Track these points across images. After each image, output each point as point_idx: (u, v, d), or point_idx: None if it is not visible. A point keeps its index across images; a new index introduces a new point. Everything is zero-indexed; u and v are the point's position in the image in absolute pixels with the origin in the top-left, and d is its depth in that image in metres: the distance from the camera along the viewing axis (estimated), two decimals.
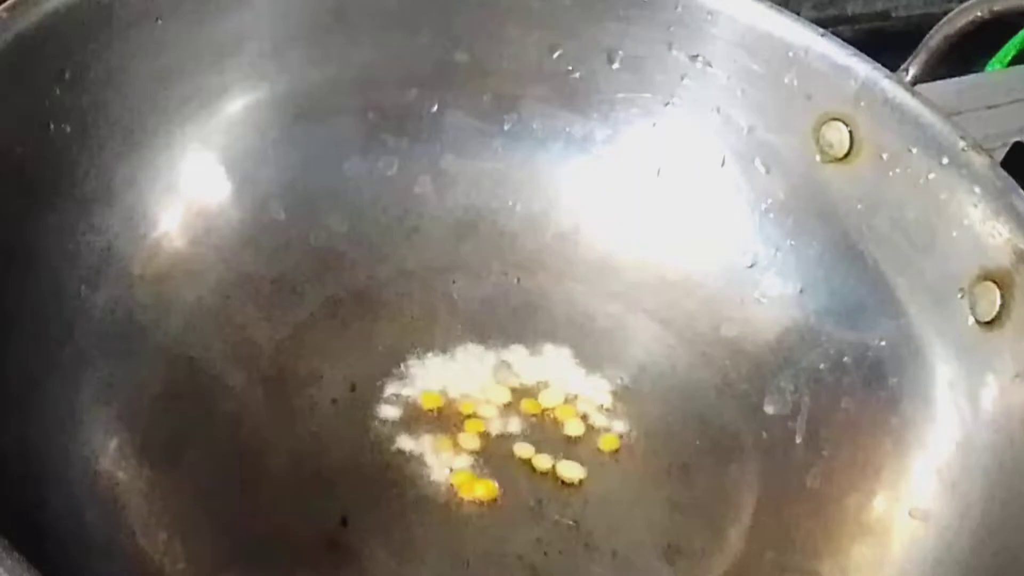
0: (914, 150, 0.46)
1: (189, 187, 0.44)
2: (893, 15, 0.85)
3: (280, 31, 0.46)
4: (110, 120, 0.41)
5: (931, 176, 0.45)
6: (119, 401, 0.40)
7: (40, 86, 0.39)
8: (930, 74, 0.48)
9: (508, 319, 0.48)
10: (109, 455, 0.38)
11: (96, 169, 0.41)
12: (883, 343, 0.46)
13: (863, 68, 0.47)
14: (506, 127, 0.51)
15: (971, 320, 0.44)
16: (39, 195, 0.39)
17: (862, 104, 0.47)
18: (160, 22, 0.42)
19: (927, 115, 0.46)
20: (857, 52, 0.47)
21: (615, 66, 0.50)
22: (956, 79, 0.70)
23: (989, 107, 0.69)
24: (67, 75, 0.39)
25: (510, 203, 0.51)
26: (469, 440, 0.44)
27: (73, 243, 0.40)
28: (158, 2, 0.42)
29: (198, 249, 0.44)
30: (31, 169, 0.38)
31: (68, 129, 0.40)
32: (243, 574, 0.39)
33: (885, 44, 0.49)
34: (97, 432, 0.39)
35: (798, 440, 0.46)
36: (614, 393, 0.47)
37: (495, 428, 0.45)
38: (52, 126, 0.39)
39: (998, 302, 0.43)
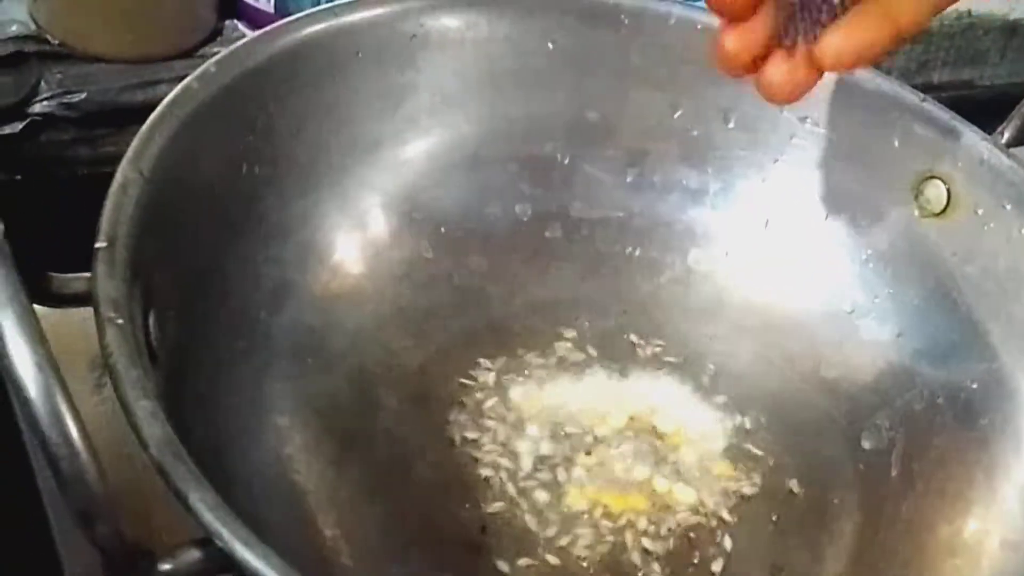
0: (1008, 206, 0.49)
1: (355, 224, 0.50)
2: (977, 83, 0.89)
3: (439, 90, 0.51)
4: (292, 162, 0.47)
5: (1023, 231, 0.49)
6: (294, 409, 0.45)
7: (238, 132, 0.44)
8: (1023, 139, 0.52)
9: (624, 352, 0.53)
10: (289, 454, 0.44)
11: (277, 206, 0.46)
12: (975, 385, 0.50)
13: (961, 130, 0.51)
14: (629, 179, 0.55)
15: None
16: (231, 228, 0.44)
17: (960, 164, 0.51)
18: (337, 79, 0.47)
19: (1020, 175, 0.50)
20: (956, 116, 0.51)
21: (730, 125, 0.55)
22: None
23: None
24: (259, 124, 0.45)
25: (630, 248, 0.55)
26: (591, 459, 0.49)
27: (255, 271, 0.45)
28: (336, 62, 0.47)
29: (360, 281, 0.50)
30: (227, 205, 0.44)
31: (258, 171, 0.45)
32: (397, 569, 0.43)
33: (970, 112, 0.53)
34: (277, 434, 0.44)
35: (893, 473, 0.50)
36: (720, 421, 0.51)
37: (616, 450, 0.49)
38: (245, 167, 0.44)
39: None
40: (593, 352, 0.53)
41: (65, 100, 0.67)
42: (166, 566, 0.30)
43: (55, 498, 0.41)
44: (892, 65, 0.82)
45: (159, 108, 0.40)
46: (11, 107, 0.66)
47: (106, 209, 0.36)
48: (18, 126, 0.66)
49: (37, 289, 0.34)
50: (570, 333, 0.53)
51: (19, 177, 0.66)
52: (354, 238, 0.50)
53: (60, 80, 0.68)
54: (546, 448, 0.49)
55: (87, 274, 0.35)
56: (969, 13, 0.84)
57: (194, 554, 0.31)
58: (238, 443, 0.42)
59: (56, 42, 0.67)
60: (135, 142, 0.39)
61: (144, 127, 0.39)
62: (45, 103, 0.67)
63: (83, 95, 0.67)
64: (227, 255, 0.44)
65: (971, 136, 0.51)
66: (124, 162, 0.38)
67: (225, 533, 0.30)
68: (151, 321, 0.37)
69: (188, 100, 0.41)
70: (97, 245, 0.35)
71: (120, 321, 0.33)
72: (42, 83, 0.67)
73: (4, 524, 0.47)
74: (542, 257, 0.54)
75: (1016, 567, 0.45)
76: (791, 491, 0.49)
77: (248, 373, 0.44)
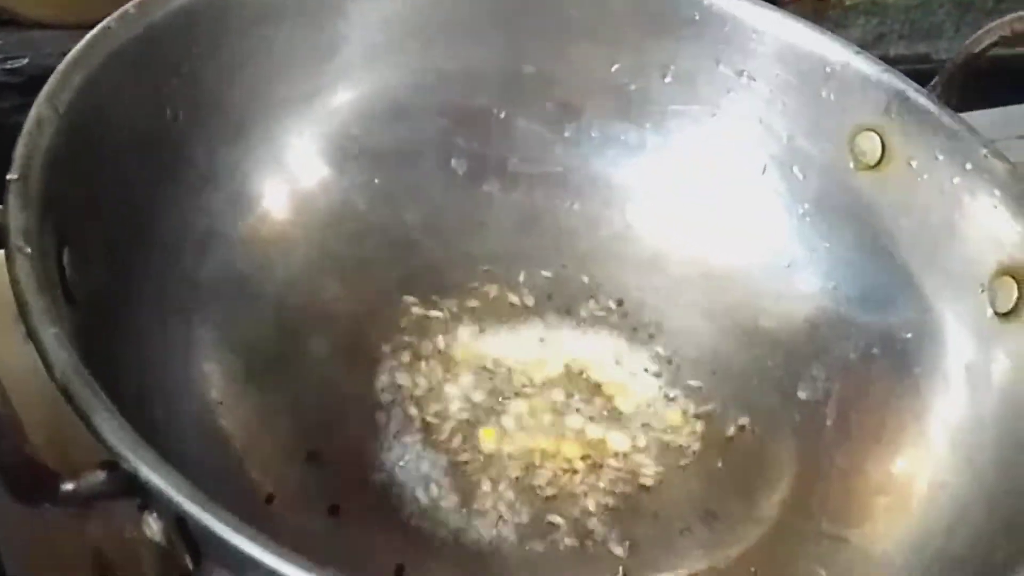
0: (940, 157, 0.50)
1: (287, 174, 0.49)
2: (933, 57, 0.89)
3: (368, 40, 0.51)
4: (219, 111, 0.46)
5: (955, 181, 0.49)
6: (220, 356, 0.45)
7: (160, 76, 0.44)
8: (956, 92, 0.52)
9: (562, 304, 0.53)
10: (215, 400, 0.44)
11: (206, 154, 0.46)
12: (909, 335, 0.50)
13: (894, 82, 0.51)
14: (567, 134, 0.55)
15: (990, 312, 0.48)
16: (156, 173, 0.44)
17: (893, 115, 0.51)
18: (266, 27, 0.47)
19: (953, 125, 0.50)
20: (889, 68, 0.51)
21: (667, 80, 0.55)
22: (991, 110, 0.74)
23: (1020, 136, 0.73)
24: (184, 68, 0.44)
25: (569, 203, 0.55)
26: (521, 405, 0.49)
27: (182, 218, 0.45)
28: (265, 10, 0.47)
29: (291, 232, 0.49)
30: (151, 149, 0.43)
31: (182, 116, 0.45)
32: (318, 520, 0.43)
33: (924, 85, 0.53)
34: (203, 380, 0.44)
35: (829, 423, 0.50)
36: (658, 373, 0.51)
37: (549, 399, 0.49)
38: (169, 112, 0.44)
39: (1015, 295, 0.47)
40: (530, 304, 0.52)
41: (7, 66, 0.67)
42: (69, 486, 0.30)
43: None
44: (848, 38, 0.83)
45: (77, 47, 0.40)
46: None
47: (20, 144, 0.36)
48: None
49: None
50: (507, 286, 0.53)
51: None
52: (284, 188, 0.49)
53: (1, 46, 0.67)
54: (477, 395, 0.48)
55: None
56: None
57: (99, 476, 0.31)
58: (161, 384, 0.42)
59: None
60: (51, 79, 0.38)
61: (61, 65, 0.39)
62: None
63: (25, 60, 0.66)
64: (153, 201, 0.44)
65: (903, 87, 0.51)
66: (39, 99, 0.38)
67: (130, 454, 0.30)
68: (65, 258, 0.37)
69: (107, 40, 0.41)
70: (9, 177, 0.35)
71: (29, 250, 0.33)
72: None
73: None
74: (479, 211, 0.54)
75: (943, 504, 0.45)
76: (727, 440, 0.50)
77: (174, 318, 0.44)
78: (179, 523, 0.32)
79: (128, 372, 0.39)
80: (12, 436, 0.29)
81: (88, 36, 0.40)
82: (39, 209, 0.35)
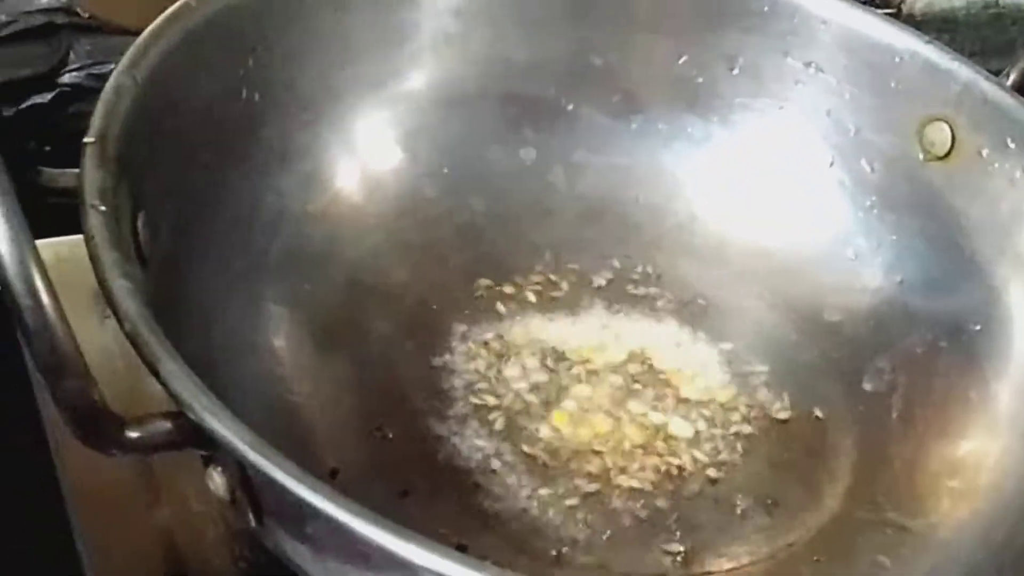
0: (1012, 145, 0.49)
1: (357, 158, 0.50)
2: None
3: (439, 28, 0.52)
4: (292, 94, 0.47)
5: None
6: (289, 332, 0.46)
7: (236, 57, 0.45)
8: None
9: (626, 293, 0.53)
10: (282, 375, 0.44)
11: (279, 135, 0.47)
12: (978, 326, 0.50)
13: (964, 71, 0.51)
14: (633, 126, 0.56)
15: None
16: (230, 150, 0.45)
17: (963, 105, 0.51)
18: (338, 13, 0.48)
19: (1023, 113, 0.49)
20: (958, 56, 0.51)
21: (735, 72, 0.55)
22: None
23: None
24: (258, 50, 0.46)
25: (634, 195, 0.56)
26: (583, 390, 0.49)
27: (254, 196, 0.46)
28: None
29: (360, 215, 0.50)
30: (225, 126, 0.45)
31: (256, 97, 0.46)
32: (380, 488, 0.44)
33: None
34: (272, 355, 0.44)
35: (894, 415, 0.50)
36: (721, 362, 0.51)
37: (612, 384, 0.49)
38: (244, 92, 0.45)
39: None
40: (593, 292, 0.53)
41: (94, 71, 0.68)
42: (134, 433, 0.31)
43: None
44: None
45: (156, 22, 0.41)
46: (41, 77, 0.67)
47: (98, 109, 0.37)
48: (48, 96, 0.67)
49: (25, 179, 0.35)
50: (570, 275, 0.53)
51: (48, 148, 0.68)
52: (355, 172, 0.50)
53: (89, 51, 0.69)
54: (540, 379, 0.49)
55: (76, 170, 0.36)
56: (996, 3, 0.84)
57: (164, 425, 0.32)
58: (230, 358, 0.43)
59: (86, 15, 0.69)
60: (130, 50, 0.40)
61: (140, 38, 0.40)
62: (74, 74, 0.68)
63: (111, 66, 0.68)
64: (226, 177, 0.45)
65: (974, 76, 0.51)
66: (118, 69, 0.39)
67: (196, 404, 0.31)
68: (140, 222, 0.38)
69: (186, 17, 0.42)
70: (86, 140, 0.36)
71: (103, 208, 0.34)
72: (71, 54, 0.68)
73: (27, 521, 0.48)
74: (544, 201, 0.54)
75: (1010, 495, 0.45)
76: (790, 431, 0.49)
77: (243, 293, 0.45)
78: (242, 477, 0.33)
79: (195, 339, 0.40)
80: (78, 378, 0.29)
81: (168, 11, 0.42)
82: (115, 171, 0.36)
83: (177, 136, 0.41)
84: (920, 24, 0.84)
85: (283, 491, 0.31)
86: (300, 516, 0.32)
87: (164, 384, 0.31)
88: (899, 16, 0.85)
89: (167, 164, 0.41)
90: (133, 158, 0.38)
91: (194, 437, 0.32)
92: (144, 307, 0.32)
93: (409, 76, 0.51)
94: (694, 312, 0.53)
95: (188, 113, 0.42)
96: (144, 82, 0.39)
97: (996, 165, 0.50)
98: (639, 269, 0.54)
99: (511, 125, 0.54)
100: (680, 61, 0.55)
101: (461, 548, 0.43)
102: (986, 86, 0.50)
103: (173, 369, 0.31)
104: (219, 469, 0.33)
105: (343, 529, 0.30)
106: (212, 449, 0.32)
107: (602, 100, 0.55)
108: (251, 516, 0.34)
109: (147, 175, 0.39)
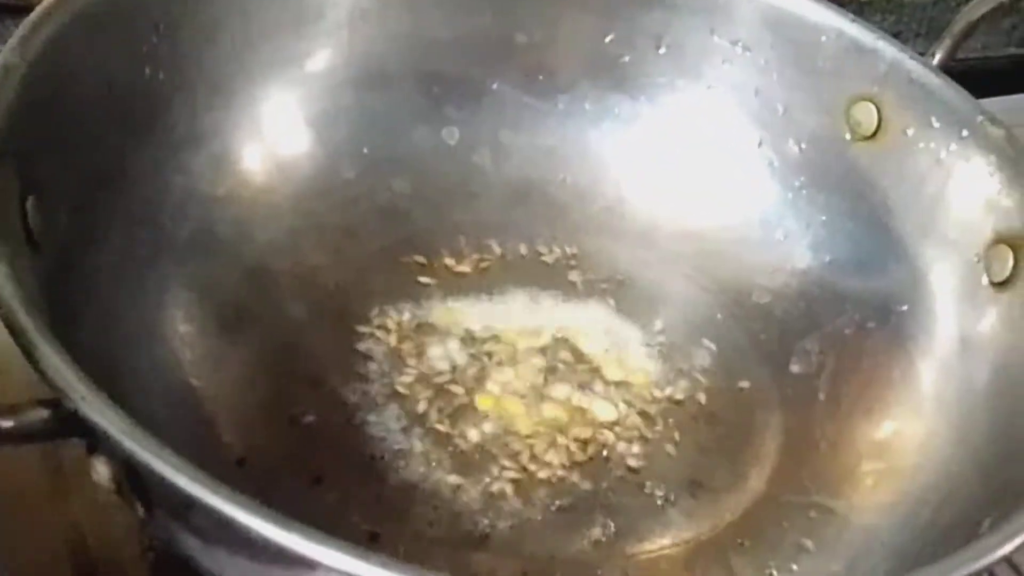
0: (936, 125, 0.49)
1: (269, 139, 0.49)
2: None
3: (356, 4, 0.50)
4: (200, 72, 0.46)
5: (951, 148, 0.48)
6: (199, 317, 0.44)
7: (139, 33, 0.43)
8: (953, 58, 0.51)
9: (552, 275, 0.52)
10: (190, 360, 0.43)
11: (186, 115, 0.46)
12: (904, 307, 0.49)
13: (890, 50, 0.50)
14: (560, 106, 0.55)
15: (986, 281, 0.47)
16: (134, 131, 0.44)
17: (889, 84, 0.50)
18: None
19: (949, 92, 0.49)
20: (885, 35, 0.50)
21: (661, 51, 0.54)
22: (1008, 97, 0.73)
23: None
24: (162, 27, 0.44)
25: (560, 176, 0.55)
26: (507, 373, 0.48)
27: (162, 180, 0.45)
28: None
29: (274, 197, 0.49)
30: (128, 107, 0.43)
31: (161, 76, 0.44)
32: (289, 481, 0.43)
33: None
34: (180, 340, 0.43)
35: (821, 396, 0.49)
36: (648, 344, 0.50)
37: (535, 367, 0.49)
38: (148, 71, 0.44)
39: (1011, 264, 0.46)
40: (520, 275, 0.52)
41: None
42: (7, 423, 0.30)
43: None
44: None
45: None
46: None
47: None
48: None
49: None
50: (495, 257, 0.52)
51: None
52: (268, 153, 0.49)
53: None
54: (462, 363, 0.48)
55: None
56: None
57: (40, 413, 0.30)
58: (135, 345, 0.42)
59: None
60: (20, 28, 0.38)
61: (32, 15, 0.39)
62: None
63: None
64: (130, 159, 0.43)
65: (900, 55, 0.50)
66: (6, 48, 0.37)
67: (70, 391, 0.30)
68: (29, 205, 0.36)
69: None
70: None
71: None
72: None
73: None
74: (469, 182, 0.53)
75: (934, 475, 0.44)
76: (715, 413, 0.49)
77: (150, 278, 0.44)
78: (126, 466, 0.32)
79: (94, 325, 0.39)
80: None
81: None
82: None
83: (75, 116, 0.40)
84: (865, 6, 0.84)
85: (163, 481, 0.30)
86: (185, 506, 0.31)
87: (38, 370, 0.30)
88: None
89: (64, 145, 0.39)
90: (22, 140, 0.36)
91: (72, 426, 0.30)
92: (20, 291, 0.31)
93: (324, 55, 0.50)
94: (621, 294, 0.52)
95: (86, 92, 0.41)
96: (34, 60, 0.38)
97: (922, 145, 0.49)
98: (566, 251, 0.53)
99: (433, 104, 0.53)
100: (607, 40, 0.54)
101: (373, 536, 0.42)
102: (911, 65, 0.50)
103: (47, 354, 0.30)
104: (102, 459, 0.32)
105: (226, 520, 0.29)
106: (91, 438, 0.31)
107: (527, 79, 0.54)
108: (139, 506, 0.33)
109: (39, 157, 0.38)
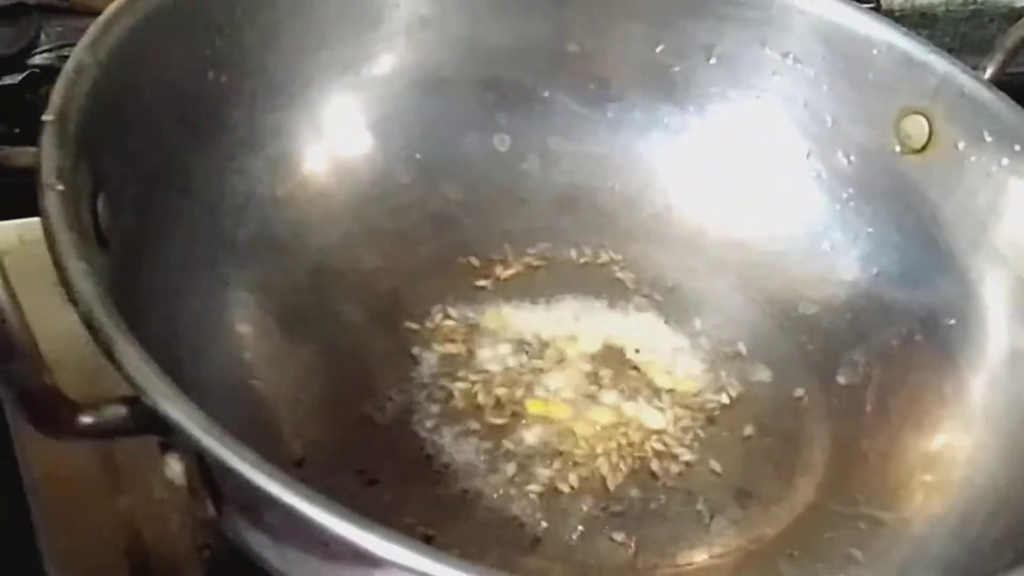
0: (988, 139, 0.49)
1: (328, 143, 0.50)
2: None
3: (415, 10, 0.51)
4: (262, 75, 0.47)
5: (1003, 162, 0.48)
6: (257, 319, 0.45)
7: (202, 36, 0.44)
8: (1005, 72, 0.51)
9: (601, 281, 0.52)
10: (249, 361, 0.44)
11: (247, 118, 0.46)
12: (952, 320, 0.50)
13: (942, 64, 0.50)
14: (609, 114, 0.55)
15: None
16: (196, 132, 0.44)
17: (940, 97, 0.50)
18: None
19: (1001, 107, 0.49)
20: (936, 49, 0.51)
21: (712, 61, 0.54)
22: None
23: None
24: (226, 31, 0.45)
25: (609, 183, 0.55)
26: (556, 379, 0.48)
27: (221, 180, 0.45)
28: None
29: (331, 200, 0.50)
30: (191, 108, 0.44)
31: (224, 78, 0.45)
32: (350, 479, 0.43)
33: None
34: (238, 341, 0.44)
35: (868, 408, 0.49)
36: (695, 352, 0.51)
37: (583, 372, 0.49)
38: (211, 73, 0.44)
39: None
40: (568, 281, 0.52)
41: (64, 53, 0.67)
42: (88, 419, 0.30)
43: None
44: None
45: (119, 1, 0.40)
46: (11, 58, 0.66)
47: (57, 88, 0.36)
48: (17, 77, 0.67)
49: None
50: (545, 263, 0.52)
51: (18, 130, 0.67)
52: (326, 157, 0.50)
53: (60, 33, 0.68)
54: (510, 364, 0.48)
55: (34, 148, 0.35)
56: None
57: (119, 410, 0.31)
58: (195, 344, 0.42)
59: None
60: (91, 29, 0.39)
61: (102, 16, 0.39)
62: (45, 55, 0.67)
63: None
64: (192, 160, 0.44)
65: (951, 69, 0.50)
66: (79, 47, 0.38)
67: (150, 388, 0.30)
68: (100, 203, 0.37)
69: None
70: (44, 118, 0.35)
71: (60, 187, 0.33)
72: (42, 35, 0.67)
73: None
74: (519, 189, 0.54)
75: (983, 489, 0.44)
76: (763, 423, 0.49)
77: (209, 278, 0.44)
78: (200, 464, 0.32)
79: (157, 323, 0.39)
80: (31, 362, 0.29)
81: None
82: (74, 151, 0.35)
83: (141, 116, 0.41)
84: (899, 20, 0.84)
85: (240, 479, 0.30)
86: (258, 505, 0.31)
87: (118, 368, 0.30)
88: (878, 11, 0.84)
89: (130, 145, 0.40)
90: (93, 138, 0.37)
91: (150, 423, 0.31)
92: (99, 289, 0.31)
93: (382, 60, 0.51)
94: (668, 302, 0.52)
95: (152, 93, 0.41)
96: (105, 61, 0.38)
97: (972, 158, 0.49)
98: (614, 258, 0.54)
99: (486, 112, 0.53)
100: (657, 50, 0.54)
101: (428, 538, 0.42)
102: (963, 79, 0.50)
103: (127, 352, 0.30)
104: (176, 456, 0.32)
105: (301, 518, 0.29)
106: (168, 435, 0.32)
107: (578, 87, 0.55)
108: (210, 504, 0.33)
109: (108, 155, 0.38)
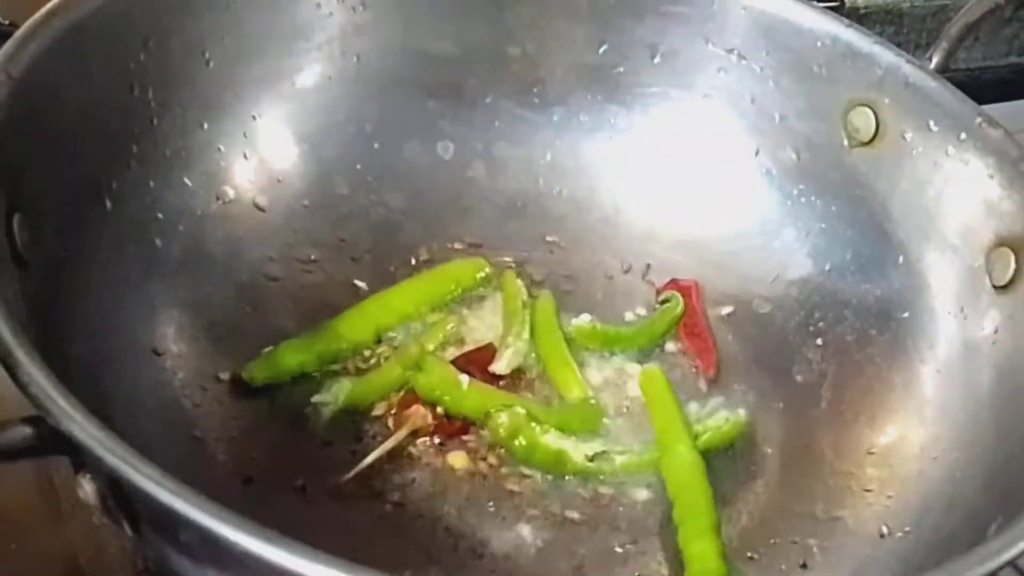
0: (935, 128, 0.48)
1: (262, 157, 0.49)
2: (952, 66, 0.88)
3: (348, 19, 0.50)
4: (190, 89, 0.46)
5: (950, 151, 0.48)
6: (191, 337, 0.44)
7: (126, 50, 0.43)
8: (950, 61, 0.50)
9: (549, 289, 0.51)
10: (181, 380, 0.43)
11: (177, 132, 0.45)
12: (906, 313, 0.49)
13: (886, 55, 0.50)
14: (555, 118, 0.54)
15: (988, 284, 0.46)
16: (123, 149, 0.43)
17: (886, 89, 0.49)
18: (239, 3, 0.47)
19: (946, 95, 0.48)
20: (880, 40, 0.50)
21: (656, 60, 0.53)
22: (1008, 103, 0.72)
23: None
24: (151, 44, 0.44)
25: (556, 188, 0.54)
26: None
27: (152, 196, 0.45)
28: None
29: (266, 214, 0.49)
30: (117, 124, 0.43)
31: (150, 93, 0.44)
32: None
33: None
34: (171, 359, 0.43)
35: (823, 404, 0.49)
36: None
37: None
38: (136, 87, 0.44)
39: (1012, 266, 0.45)
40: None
41: None
42: None
43: None
44: None
45: (37, 15, 0.39)
46: None
47: None
48: None
49: None
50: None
51: None
52: (261, 171, 0.49)
53: None
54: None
55: None
56: None
57: (23, 430, 0.30)
58: (125, 365, 0.41)
59: (6, 22, 0.67)
60: (7, 45, 0.38)
61: (18, 32, 0.39)
62: None
63: None
64: (119, 177, 0.43)
65: (896, 60, 0.50)
66: None
67: (53, 407, 0.29)
68: (16, 222, 0.36)
69: (69, 9, 0.40)
70: None
71: None
72: None
73: None
74: (465, 196, 0.53)
75: (939, 480, 0.44)
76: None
77: (139, 297, 0.43)
78: (112, 483, 0.31)
79: (84, 343, 0.38)
80: None
81: (49, 4, 0.40)
82: None
83: (61, 134, 0.40)
84: (864, 17, 0.84)
85: (146, 496, 0.29)
86: (170, 522, 0.30)
87: (21, 387, 0.30)
88: (842, 9, 0.84)
89: (50, 163, 0.39)
90: (7, 157, 0.36)
91: (56, 443, 0.30)
92: (5, 308, 0.31)
93: (315, 70, 0.50)
94: (620, 307, 0.52)
95: (73, 110, 0.40)
96: (21, 78, 0.37)
97: (920, 149, 0.49)
98: (562, 264, 0.53)
99: (428, 119, 0.53)
100: (600, 50, 0.54)
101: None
102: (907, 69, 0.49)
103: (31, 371, 0.30)
104: (88, 476, 0.31)
105: (211, 535, 0.29)
106: (76, 455, 0.31)
107: (521, 91, 0.54)
108: (126, 524, 0.32)
109: (25, 175, 0.37)
